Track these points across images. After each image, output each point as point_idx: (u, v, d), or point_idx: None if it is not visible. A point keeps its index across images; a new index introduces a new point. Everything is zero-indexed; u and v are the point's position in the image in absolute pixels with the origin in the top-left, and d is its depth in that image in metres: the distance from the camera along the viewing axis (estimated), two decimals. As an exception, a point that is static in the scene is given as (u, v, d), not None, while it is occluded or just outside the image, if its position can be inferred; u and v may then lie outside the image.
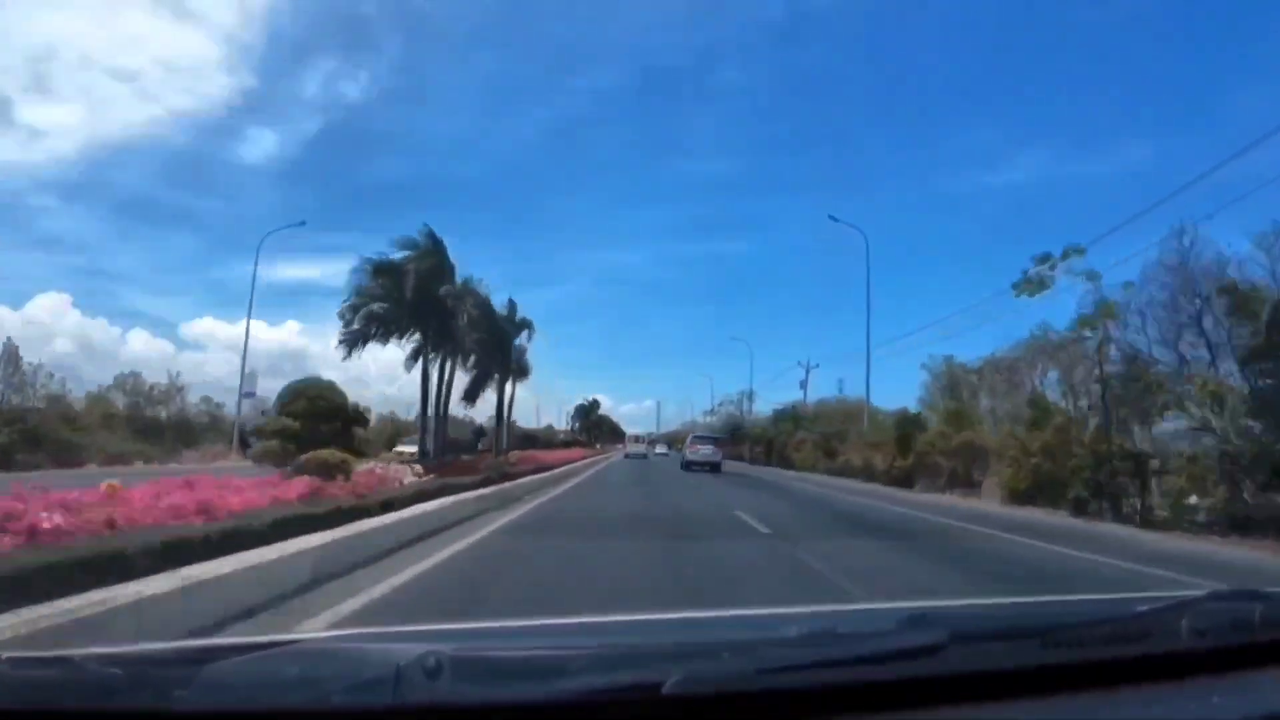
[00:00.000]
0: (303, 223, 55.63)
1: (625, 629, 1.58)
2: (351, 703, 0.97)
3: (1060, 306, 61.89)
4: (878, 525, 12.49)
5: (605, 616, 1.93)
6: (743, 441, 58.77)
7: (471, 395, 31.57)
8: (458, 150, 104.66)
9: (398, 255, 22.98)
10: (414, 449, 26.62)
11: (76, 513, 4.51)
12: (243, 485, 7.08)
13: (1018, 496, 18.48)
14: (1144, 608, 1.40)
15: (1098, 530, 13.22)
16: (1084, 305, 16.83)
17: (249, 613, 4.24)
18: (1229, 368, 19.78)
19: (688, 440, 42.23)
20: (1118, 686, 1.20)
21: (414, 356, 25.07)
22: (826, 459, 37.20)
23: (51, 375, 36.70)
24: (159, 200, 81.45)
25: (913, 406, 38.11)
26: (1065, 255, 16.11)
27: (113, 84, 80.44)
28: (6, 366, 35.66)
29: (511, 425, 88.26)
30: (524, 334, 35.00)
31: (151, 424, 35.73)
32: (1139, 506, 14.96)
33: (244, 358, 36.27)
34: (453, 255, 24.03)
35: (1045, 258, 16.29)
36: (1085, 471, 15.90)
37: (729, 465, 38.85)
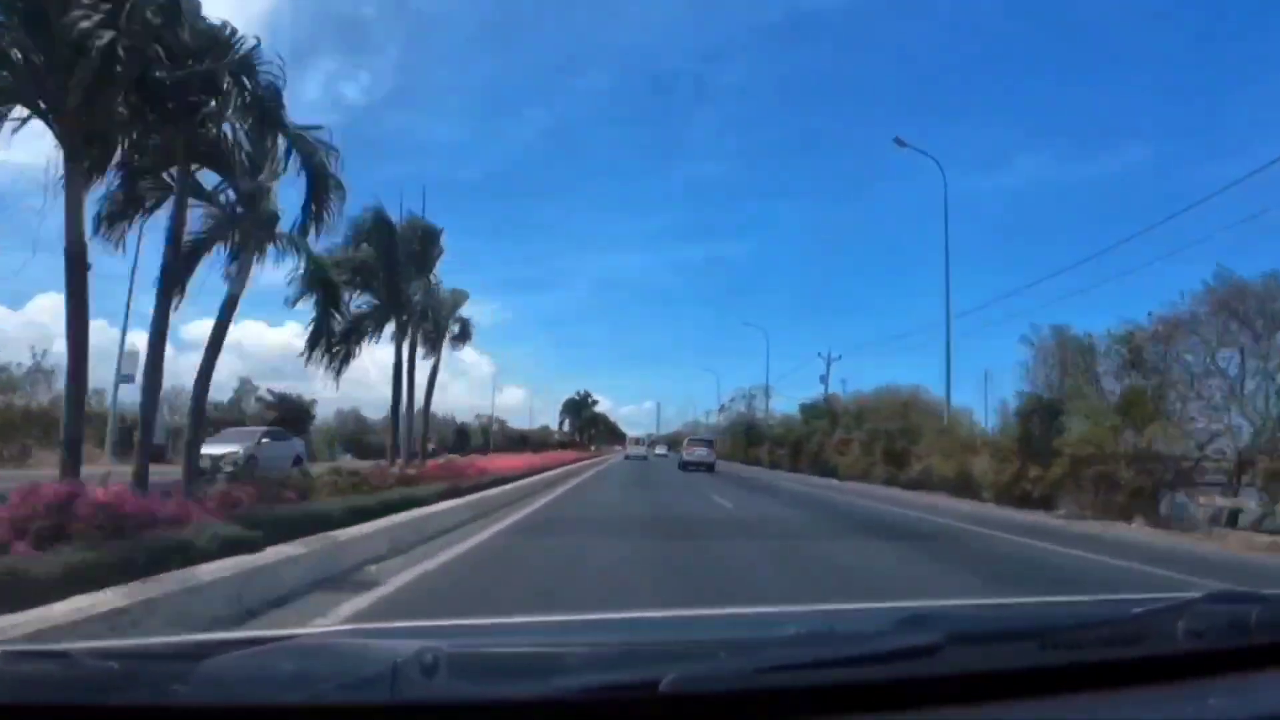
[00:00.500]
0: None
1: (622, 627, 1.58)
2: (348, 699, 0.96)
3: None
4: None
5: (603, 614, 1.94)
6: (759, 443, 53.84)
7: (314, 342, 15.17)
8: (458, 152, 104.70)
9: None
10: (231, 449, 18.07)
11: None
12: None
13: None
14: (1141, 609, 1.40)
15: None
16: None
17: None
18: None
19: (684, 443, 48.11)
20: (1115, 688, 1.20)
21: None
22: (889, 466, 28.64)
23: None
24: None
25: (993, 398, 32.72)
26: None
27: (112, 81, 79.76)
28: None
29: (503, 425, 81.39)
30: (437, 257, 20.33)
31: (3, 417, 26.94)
32: None
33: (123, 334, 26.13)
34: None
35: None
36: None
37: (745, 471, 38.22)
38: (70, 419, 8.08)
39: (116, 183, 9.86)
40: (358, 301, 18.43)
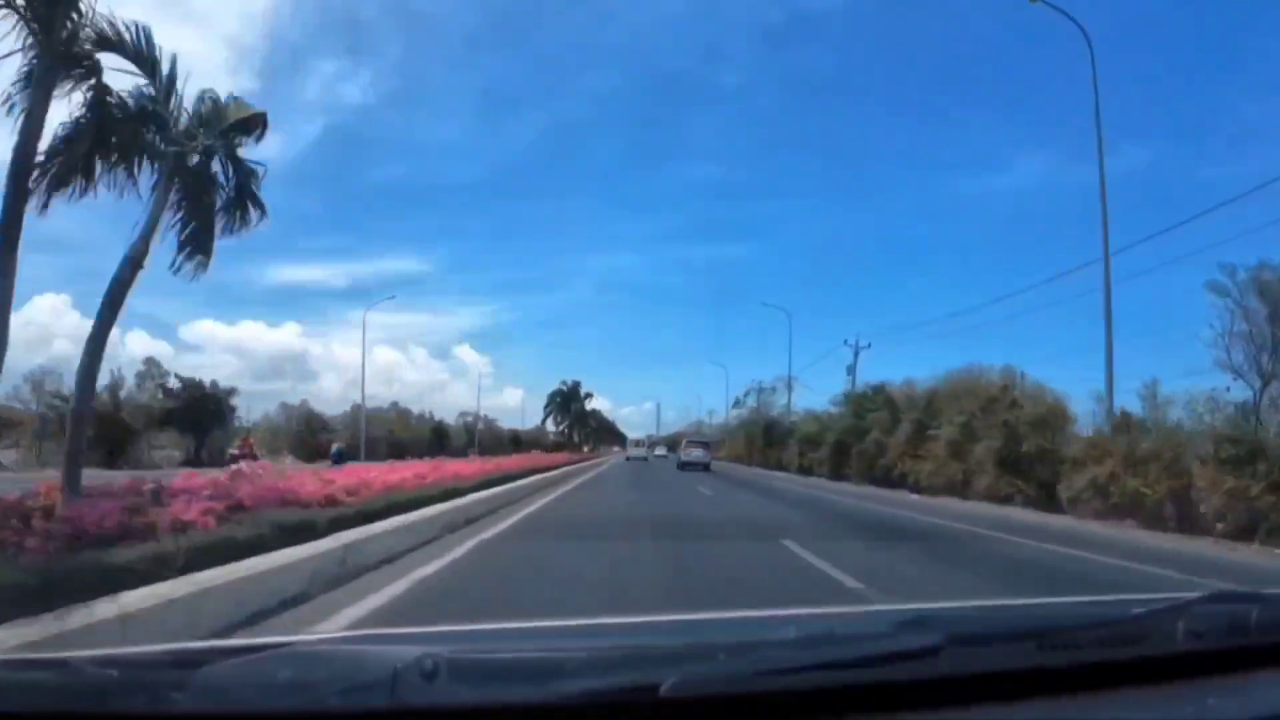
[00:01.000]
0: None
1: (622, 631, 1.58)
2: (348, 705, 0.96)
3: None
4: None
5: (603, 618, 1.94)
6: (780, 443, 46.54)
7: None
8: (457, 153, 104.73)
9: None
10: None
11: None
12: None
13: None
14: (1141, 610, 1.40)
15: None
16: None
17: None
18: None
19: (683, 444, 49.59)
20: (1114, 689, 1.20)
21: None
22: (1010, 476, 19.62)
23: None
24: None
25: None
26: None
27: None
28: None
29: (490, 425, 78.37)
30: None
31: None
32: None
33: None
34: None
35: None
36: None
37: (775, 482, 30.78)
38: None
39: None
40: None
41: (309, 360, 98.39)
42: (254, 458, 23.75)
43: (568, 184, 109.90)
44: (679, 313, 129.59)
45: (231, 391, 40.78)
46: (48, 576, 3.73)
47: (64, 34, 8.62)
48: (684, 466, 39.02)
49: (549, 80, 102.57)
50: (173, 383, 36.78)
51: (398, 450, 46.22)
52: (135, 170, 10.17)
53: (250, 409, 50.37)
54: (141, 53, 9.71)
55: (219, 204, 10.97)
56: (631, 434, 78.67)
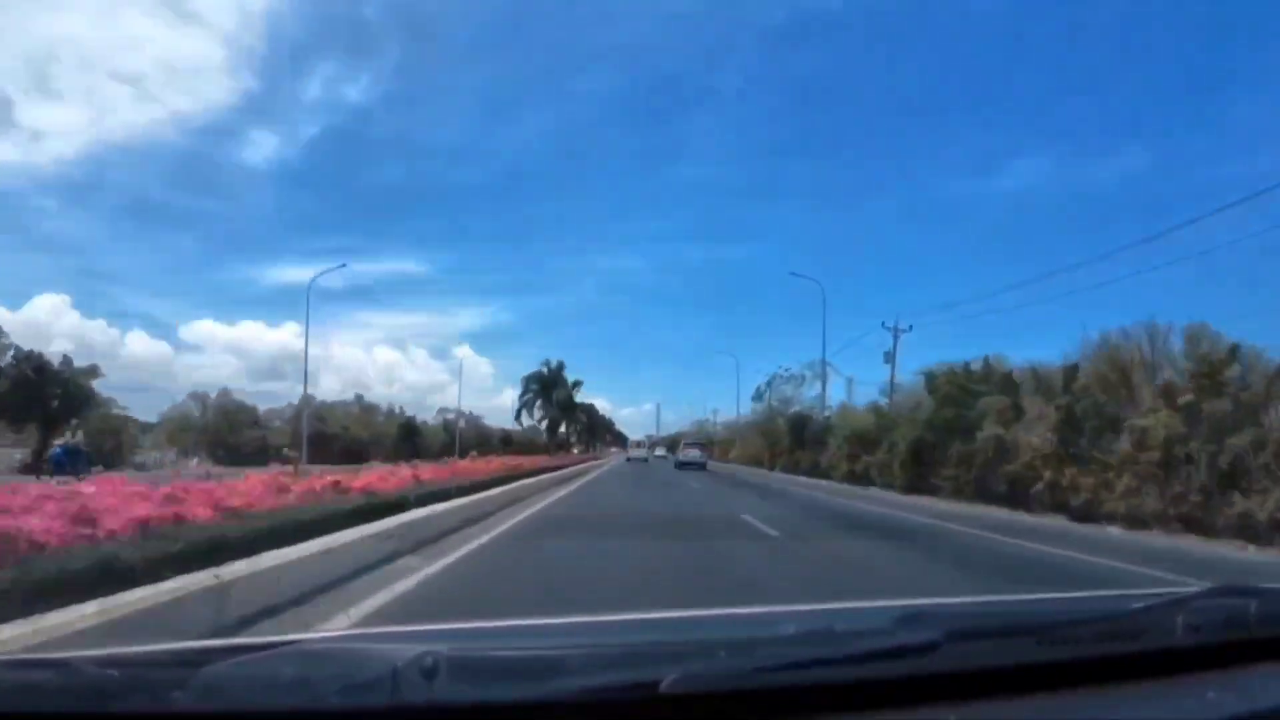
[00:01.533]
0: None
1: (622, 628, 1.58)
2: (348, 704, 0.97)
3: None
4: None
5: (602, 616, 1.94)
6: (814, 443, 36.39)
7: None
8: (458, 155, 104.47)
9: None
10: None
11: None
12: None
13: None
14: (1139, 605, 1.40)
15: None
16: None
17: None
18: None
19: (680, 445, 52.02)
20: (1113, 684, 1.20)
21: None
22: None
23: None
24: (159, 202, 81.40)
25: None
26: None
27: (113, 85, 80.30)
28: None
29: (477, 424, 69.72)
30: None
31: None
32: None
33: None
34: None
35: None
36: None
37: (834, 502, 20.20)
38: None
39: None
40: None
41: (308, 360, 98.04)
42: (82, 463, 17.30)
43: (568, 184, 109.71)
44: (679, 313, 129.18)
45: (91, 371, 30.20)
46: None
47: None
48: (681, 466, 41.20)
49: (549, 81, 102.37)
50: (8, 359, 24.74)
51: (355, 452, 40.61)
52: None
53: (121, 398, 37.75)
54: None
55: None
56: (632, 435, 77.44)
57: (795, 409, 46.86)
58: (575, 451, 68.07)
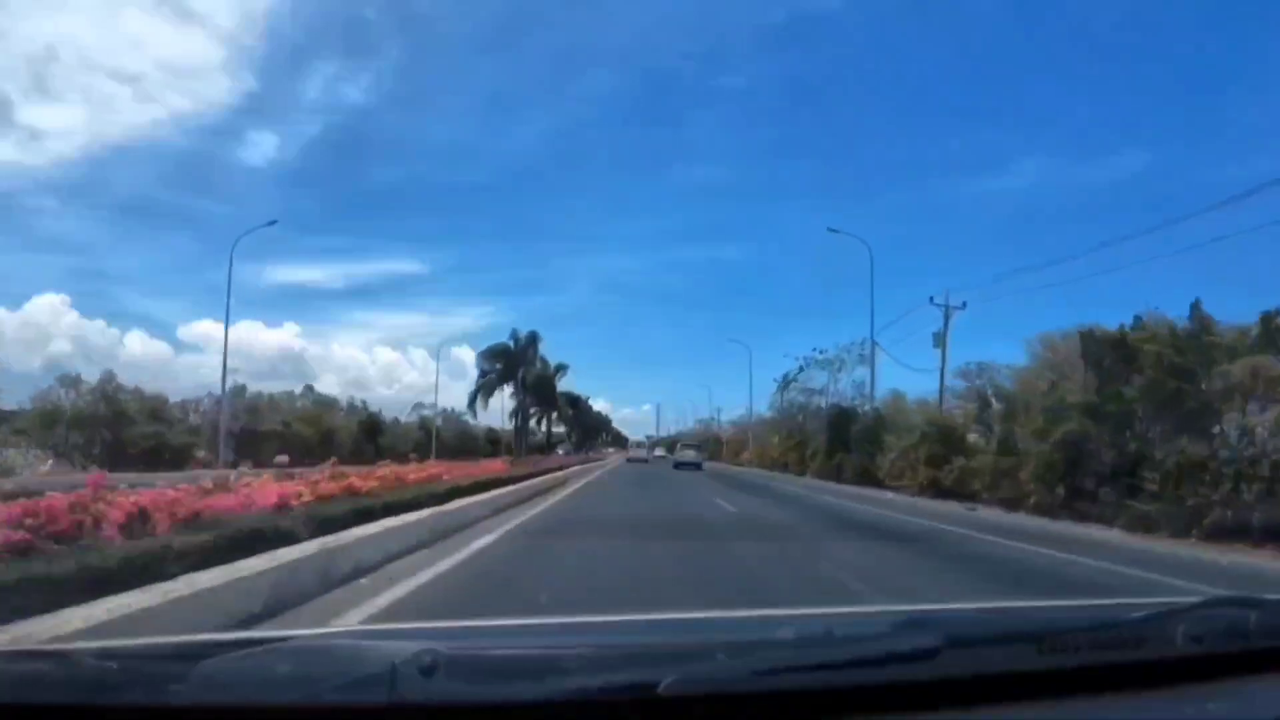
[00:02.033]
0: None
1: (621, 629, 1.58)
2: (346, 700, 0.97)
3: None
4: None
5: (601, 616, 1.94)
6: (866, 445, 27.75)
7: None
8: (458, 154, 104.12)
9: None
10: None
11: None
12: None
13: None
14: (1140, 614, 1.40)
15: None
16: None
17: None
18: None
19: (677, 446, 54.75)
20: (1113, 692, 1.20)
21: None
22: None
23: None
24: (159, 202, 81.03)
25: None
26: None
27: (113, 85, 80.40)
28: None
29: (457, 420, 54.90)
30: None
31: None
32: None
33: None
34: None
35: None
36: None
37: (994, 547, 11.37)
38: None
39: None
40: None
41: (308, 360, 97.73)
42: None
43: (569, 185, 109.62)
44: (679, 313, 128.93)
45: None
46: None
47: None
48: (678, 466, 43.17)
49: (549, 81, 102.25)
50: None
51: (302, 451, 31.46)
52: None
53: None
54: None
55: None
56: (632, 436, 76.42)
57: (832, 401, 37.80)
58: (561, 452, 53.77)
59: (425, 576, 6.25)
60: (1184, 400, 13.74)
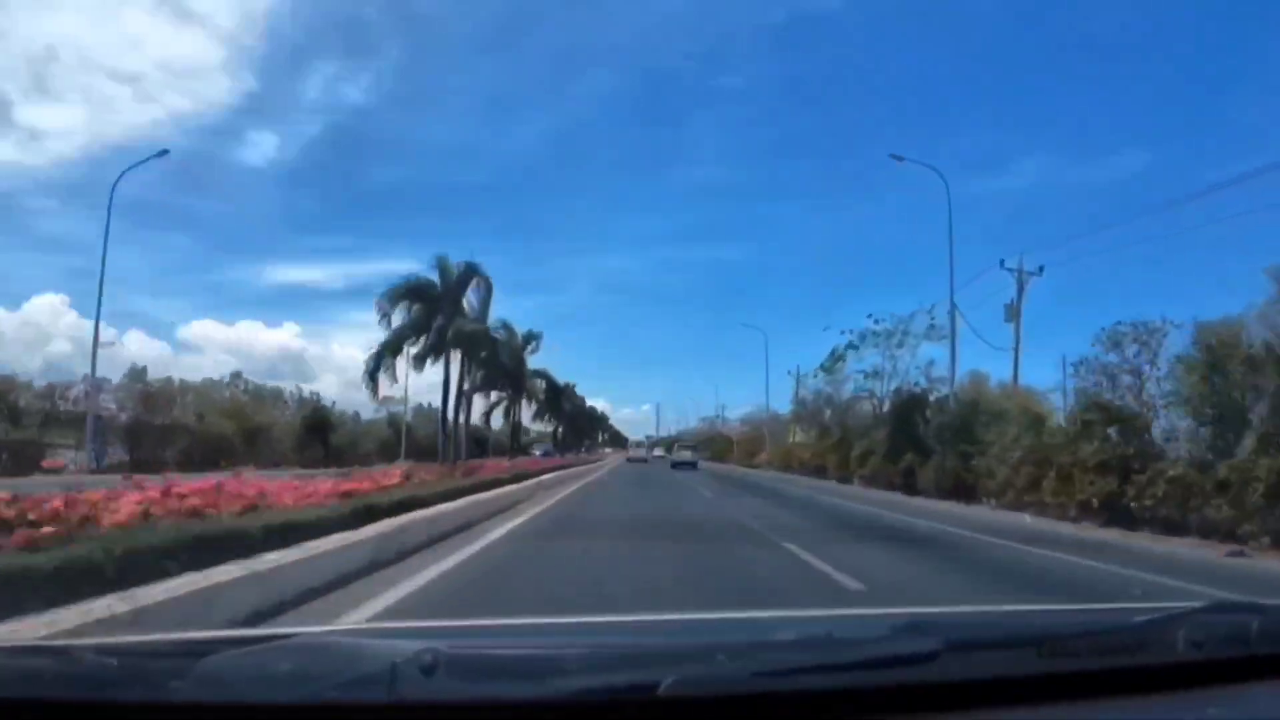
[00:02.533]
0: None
1: (622, 630, 1.58)
2: (347, 698, 0.97)
3: None
4: None
5: (602, 617, 1.94)
6: (968, 444, 19.57)
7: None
8: (458, 155, 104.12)
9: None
10: None
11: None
12: None
13: None
14: (1141, 618, 1.39)
15: None
16: None
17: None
18: None
19: (675, 447, 58.73)
20: (1113, 697, 1.19)
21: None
22: None
23: None
24: (158, 202, 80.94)
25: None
26: None
27: (113, 85, 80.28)
28: None
29: (436, 416, 32.00)
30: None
31: None
32: None
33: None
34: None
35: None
36: None
37: None
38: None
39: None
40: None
41: (307, 360, 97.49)
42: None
43: (569, 185, 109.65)
44: (679, 316, 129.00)
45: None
46: None
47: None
48: (676, 465, 45.56)
49: (549, 81, 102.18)
50: None
51: (220, 452, 26.47)
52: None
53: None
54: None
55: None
56: (632, 436, 76.34)
57: (896, 385, 29.55)
58: (538, 453, 42.98)
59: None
60: None
